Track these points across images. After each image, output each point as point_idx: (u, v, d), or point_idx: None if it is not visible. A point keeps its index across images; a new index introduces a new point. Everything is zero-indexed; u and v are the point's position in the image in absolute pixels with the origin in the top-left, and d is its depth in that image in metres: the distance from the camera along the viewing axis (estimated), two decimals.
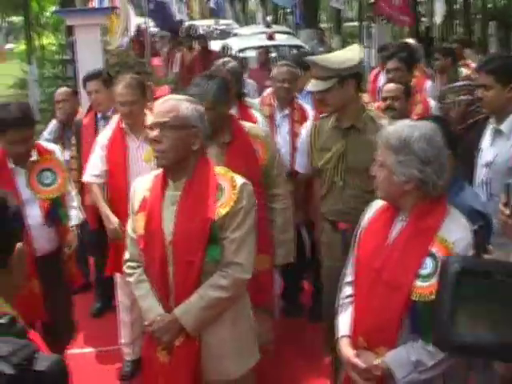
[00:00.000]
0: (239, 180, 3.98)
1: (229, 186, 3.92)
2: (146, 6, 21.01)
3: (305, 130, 5.52)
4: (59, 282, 5.36)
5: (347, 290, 3.86)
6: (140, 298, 4.04)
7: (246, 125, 5.35)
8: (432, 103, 7.21)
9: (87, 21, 10.93)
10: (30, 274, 4.84)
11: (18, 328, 2.16)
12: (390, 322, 3.45)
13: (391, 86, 6.28)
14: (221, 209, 3.85)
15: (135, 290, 4.07)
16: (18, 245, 2.41)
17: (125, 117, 5.88)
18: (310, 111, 7.08)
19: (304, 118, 6.82)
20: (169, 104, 3.91)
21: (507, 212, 3.28)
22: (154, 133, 3.86)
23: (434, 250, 3.40)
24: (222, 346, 3.97)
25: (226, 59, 6.74)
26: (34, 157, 5.19)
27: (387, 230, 3.57)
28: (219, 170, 4.05)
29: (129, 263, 4.12)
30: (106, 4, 17.07)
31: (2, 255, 2.39)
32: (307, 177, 5.74)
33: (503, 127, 4.98)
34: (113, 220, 5.87)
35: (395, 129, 3.52)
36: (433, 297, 3.31)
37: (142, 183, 4.11)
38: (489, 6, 27.89)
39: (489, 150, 4.99)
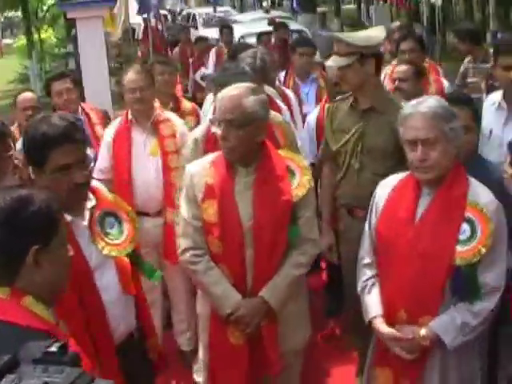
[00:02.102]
0: (304, 162, 4.21)
1: (298, 168, 4.07)
2: None
3: (311, 117, 5.52)
4: (144, 371, 3.86)
5: (367, 272, 3.97)
6: (212, 285, 4.03)
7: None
8: (446, 83, 7.17)
9: (89, 13, 10.87)
10: (114, 374, 3.43)
11: (70, 356, 2.09)
12: (431, 291, 3.62)
13: (402, 67, 6.24)
14: (297, 191, 3.99)
15: (204, 278, 4.04)
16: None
17: (135, 103, 5.78)
18: (293, 98, 7.08)
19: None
20: (234, 99, 3.92)
21: (511, 171, 3.33)
22: (220, 130, 3.90)
23: (468, 214, 3.58)
24: (292, 319, 4.13)
25: (251, 51, 6.10)
26: (92, 200, 3.64)
27: (413, 205, 3.72)
28: (282, 152, 4.21)
29: (192, 251, 4.07)
30: None
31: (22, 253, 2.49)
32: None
33: None
34: None
35: (431, 101, 3.71)
36: (476, 259, 3.52)
37: (200, 170, 4.09)
38: None
39: (502, 129, 4.94)
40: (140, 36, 24.20)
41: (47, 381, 1.92)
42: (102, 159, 5.89)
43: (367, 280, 3.96)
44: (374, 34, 5.09)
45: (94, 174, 5.88)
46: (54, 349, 2.08)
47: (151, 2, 18.69)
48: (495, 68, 5.23)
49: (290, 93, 7.35)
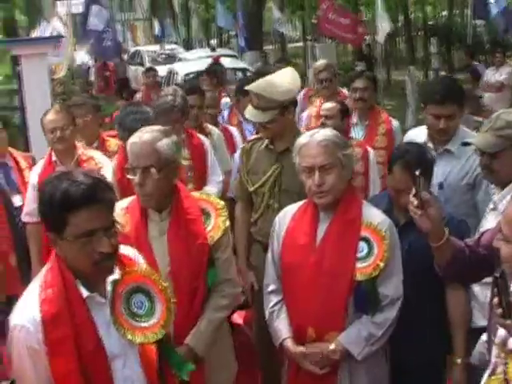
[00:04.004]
0: (219, 201, 4.18)
1: (213, 209, 4.08)
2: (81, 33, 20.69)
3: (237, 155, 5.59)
4: None
5: (273, 299, 4.17)
6: None
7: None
8: (395, 123, 7.22)
9: (33, 50, 10.88)
10: None
11: None
12: (336, 306, 3.84)
13: (328, 104, 6.31)
14: (213, 233, 4.00)
15: None
16: None
17: (56, 143, 5.83)
18: (237, 135, 7.34)
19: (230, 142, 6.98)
20: (148, 144, 3.89)
21: (415, 203, 3.48)
22: (137, 177, 3.86)
23: (364, 234, 3.85)
24: (218, 359, 4.13)
25: (171, 89, 6.40)
26: (116, 272, 3.12)
27: (313, 230, 3.96)
28: (196, 194, 4.22)
29: None
30: (48, 33, 17.03)
31: None
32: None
33: (451, 147, 5.13)
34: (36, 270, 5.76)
35: (325, 131, 4.07)
36: (375, 273, 3.79)
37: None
38: (430, 22, 28.37)
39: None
40: (92, 76, 24.32)
41: None
42: (29, 202, 5.88)
43: (274, 306, 4.15)
44: (291, 82, 5.07)
45: (23, 218, 5.91)
46: None
47: (105, 44, 18.75)
48: (424, 113, 5.31)
49: (233, 130, 7.48)
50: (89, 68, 25.66)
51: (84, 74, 26.21)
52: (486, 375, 3.05)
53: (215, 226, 4.04)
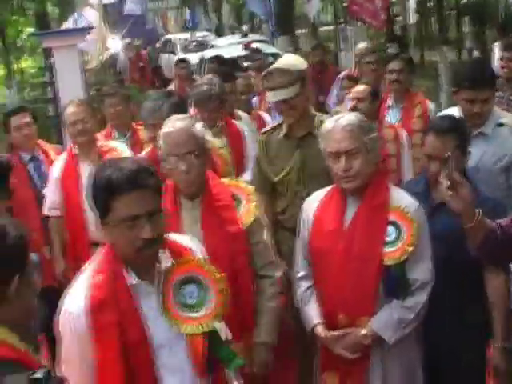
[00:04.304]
0: (250, 187, 4.21)
1: (244, 195, 4.11)
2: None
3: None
4: None
5: (303, 285, 4.17)
6: None
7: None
8: (431, 105, 7.19)
9: (64, 42, 10.97)
10: None
11: (55, 381, 2.18)
12: (367, 291, 3.85)
13: (359, 87, 6.31)
14: (245, 218, 4.03)
15: None
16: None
17: (77, 136, 5.87)
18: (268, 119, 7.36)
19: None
20: (184, 131, 3.92)
21: (446, 184, 3.46)
22: (182, 165, 3.85)
23: (392, 218, 3.84)
24: None
25: (207, 84, 6.29)
26: (168, 260, 3.13)
27: (341, 215, 3.95)
28: (226, 180, 4.22)
29: None
30: (82, 24, 17.11)
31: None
32: None
33: (485, 129, 5.06)
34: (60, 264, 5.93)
35: (350, 116, 4.06)
36: (404, 257, 3.79)
37: None
38: (463, 1, 28.06)
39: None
40: (126, 66, 24.35)
41: None
42: (51, 196, 5.98)
43: (304, 292, 4.15)
44: (296, 57, 5.22)
45: (45, 212, 5.96)
46: (39, 375, 2.14)
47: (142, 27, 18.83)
48: (458, 99, 5.23)
49: (266, 116, 7.48)
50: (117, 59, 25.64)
51: (114, 64, 26.24)
52: None
53: (247, 211, 4.05)
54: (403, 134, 6.11)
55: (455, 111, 5.33)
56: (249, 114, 7.32)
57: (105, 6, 21.22)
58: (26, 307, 2.51)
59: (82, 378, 3.01)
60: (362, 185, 3.92)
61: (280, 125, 5.19)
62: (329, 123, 4.02)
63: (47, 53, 12.36)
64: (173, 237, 3.27)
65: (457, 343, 4.20)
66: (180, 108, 4.89)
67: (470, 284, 4.15)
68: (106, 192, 2.92)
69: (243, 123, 6.70)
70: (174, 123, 3.98)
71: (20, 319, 2.50)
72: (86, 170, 5.78)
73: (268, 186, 5.21)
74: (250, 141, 6.25)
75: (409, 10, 17.92)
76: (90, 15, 19.06)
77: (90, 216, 5.72)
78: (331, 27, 30.99)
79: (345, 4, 23.77)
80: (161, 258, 3.08)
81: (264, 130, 5.51)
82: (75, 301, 3.02)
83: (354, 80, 8.04)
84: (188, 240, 3.34)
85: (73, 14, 20.20)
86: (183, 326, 3.04)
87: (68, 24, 18.68)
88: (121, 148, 5.98)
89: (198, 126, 3.98)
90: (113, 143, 6.14)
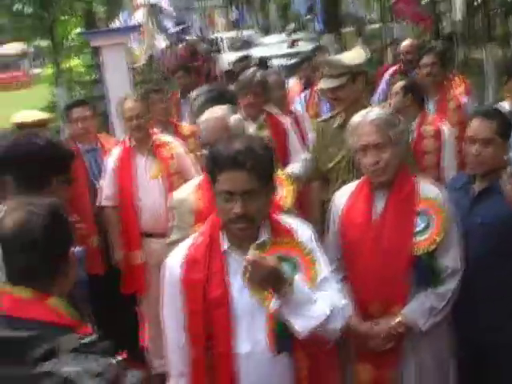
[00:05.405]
0: (283, 174, 4.49)
1: (278, 180, 4.12)
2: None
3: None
4: None
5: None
6: None
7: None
8: (464, 99, 7.20)
9: (112, 41, 11.16)
10: None
11: (102, 347, 2.34)
12: (398, 281, 3.94)
13: (398, 83, 6.41)
14: (284, 201, 4.20)
15: None
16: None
17: (134, 130, 6.07)
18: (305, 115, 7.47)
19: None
20: (220, 120, 4.10)
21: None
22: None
23: (421, 208, 3.92)
24: None
25: (252, 70, 6.68)
26: (265, 236, 3.31)
27: (369, 207, 4.06)
28: None
29: None
30: (129, 23, 17.34)
31: (58, 261, 2.65)
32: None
33: None
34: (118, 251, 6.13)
35: (377, 110, 4.19)
36: (433, 246, 3.88)
37: (185, 196, 4.26)
38: None
39: None
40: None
41: (82, 368, 2.18)
42: (106, 186, 6.16)
43: None
44: (358, 53, 5.36)
45: (102, 202, 6.14)
46: (87, 341, 2.33)
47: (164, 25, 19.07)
48: (507, 87, 5.21)
49: (299, 114, 7.53)
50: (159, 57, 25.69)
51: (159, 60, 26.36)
52: None
53: (286, 194, 4.23)
54: (445, 129, 6.08)
55: (504, 106, 5.36)
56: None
57: (152, 5, 21.48)
58: (69, 285, 2.75)
59: (174, 323, 3.39)
60: (391, 177, 4.03)
61: (337, 114, 5.34)
62: (356, 117, 4.15)
63: (96, 51, 12.58)
64: (280, 217, 3.46)
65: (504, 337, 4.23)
66: (220, 101, 4.96)
67: None
68: (213, 165, 3.22)
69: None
70: (213, 112, 4.20)
71: (68, 292, 2.73)
72: (140, 162, 6.05)
73: (320, 173, 5.40)
74: (293, 134, 6.38)
75: (456, 7, 17.79)
76: (137, 14, 19.31)
77: (143, 207, 5.94)
78: (377, 25, 30.89)
79: (393, 0, 23.71)
80: (260, 234, 3.29)
81: (321, 118, 5.69)
82: (176, 256, 3.43)
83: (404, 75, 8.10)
84: (296, 222, 3.49)
85: (120, 13, 20.48)
86: (264, 298, 3.18)
87: (116, 23, 18.93)
88: (173, 142, 6.17)
89: (234, 116, 4.15)
90: (166, 137, 6.32)
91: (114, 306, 5.97)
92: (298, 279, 3.17)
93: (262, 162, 3.19)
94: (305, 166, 6.00)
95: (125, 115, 6.11)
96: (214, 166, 3.21)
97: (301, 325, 3.13)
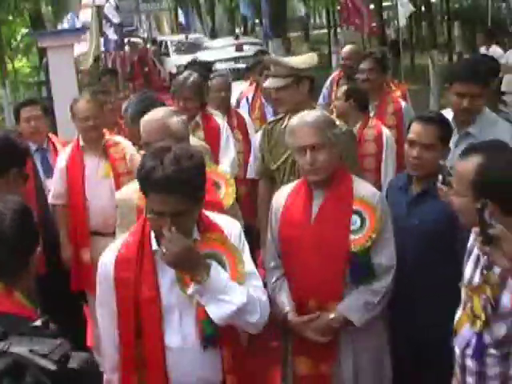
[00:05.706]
0: (227, 173, 4.75)
1: (222, 180, 4.44)
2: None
3: (257, 136, 5.81)
4: None
5: (274, 274, 4.35)
6: None
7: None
8: (403, 103, 7.23)
9: (59, 42, 11.12)
10: None
11: (52, 329, 2.47)
12: (335, 278, 4.06)
13: (341, 88, 6.55)
14: (226, 201, 4.33)
15: None
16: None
17: (89, 131, 6.04)
18: (247, 118, 7.55)
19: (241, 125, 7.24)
20: (158, 121, 4.17)
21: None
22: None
23: (356, 207, 4.07)
24: None
25: (186, 74, 6.70)
26: (195, 234, 3.42)
27: (308, 207, 4.18)
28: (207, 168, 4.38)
29: None
30: (76, 24, 17.26)
31: (27, 256, 2.81)
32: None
33: (472, 129, 5.04)
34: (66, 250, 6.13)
35: (315, 113, 4.36)
36: (369, 244, 4.01)
37: (130, 193, 4.22)
38: (455, 6, 28.29)
39: (453, 151, 4.74)
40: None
41: (32, 348, 2.27)
42: (56, 185, 6.15)
43: (275, 281, 4.32)
44: (307, 59, 5.45)
45: (51, 201, 6.15)
46: (37, 324, 2.45)
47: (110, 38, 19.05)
48: (449, 92, 5.24)
49: (245, 114, 7.66)
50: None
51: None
52: (458, 312, 3.34)
53: (227, 194, 4.35)
54: (386, 134, 6.16)
55: (446, 113, 5.43)
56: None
57: (98, 7, 21.34)
58: (33, 277, 2.94)
59: (107, 320, 3.51)
60: (327, 177, 4.14)
61: (286, 115, 5.41)
62: (294, 120, 4.28)
63: (42, 53, 12.52)
64: (210, 215, 3.54)
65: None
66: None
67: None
68: (142, 184, 3.24)
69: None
70: (154, 114, 4.26)
71: (27, 288, 2.87)
72: (91, 162, 6.05)
73: (268, 173, 5.51)
74: (226, 135, 6.49)
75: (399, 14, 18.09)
76: (84, 15, 19.21)
77: (92, 206, 5.97)
78: (324, 30, 31.19)
79: (338, 7, 23.97)
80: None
81: (270, 120, 5.78)
82: (109, 254, 3.50)
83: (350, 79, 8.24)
84: (225, 220, 3.59)
85: (67, 14, 20.34)
86: (183, 287, 3.30)
87: (63, 24, 18.83)
88: (125, 143, 6.17)
89: (176, 118, 4.21)
90: (117, 138, 6.32)
91: (58, 306, 5.97)
92: (216, 266, 3.29)
93: (191, 183, 3.19)
94: (232, 166, 6.22)
95: (79, 116, 6.06)
96: (144, 185, 3.23)
97: (216, 311, 3.24)
